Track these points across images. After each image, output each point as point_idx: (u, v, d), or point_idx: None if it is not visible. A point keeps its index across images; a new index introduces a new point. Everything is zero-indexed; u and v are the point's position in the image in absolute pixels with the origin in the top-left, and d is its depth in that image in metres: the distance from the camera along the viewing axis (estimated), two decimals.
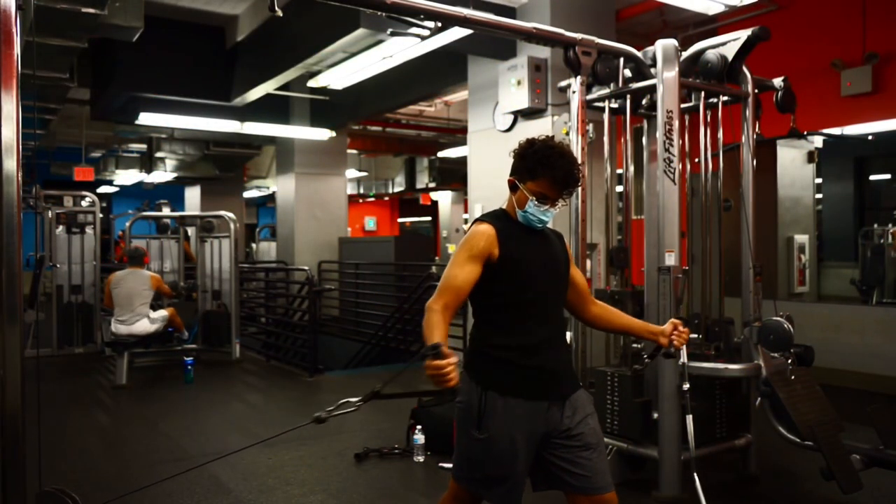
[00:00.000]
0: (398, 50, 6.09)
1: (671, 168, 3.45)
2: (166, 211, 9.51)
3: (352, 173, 15.19)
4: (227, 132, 9.97)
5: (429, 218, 21.93)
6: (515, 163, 2.11)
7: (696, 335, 3.74)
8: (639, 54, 3.74)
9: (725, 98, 3.82)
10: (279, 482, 3.82)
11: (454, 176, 14.90)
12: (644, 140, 3.91)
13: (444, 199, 19.17)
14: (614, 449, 3.66)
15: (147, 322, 6.53)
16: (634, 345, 3.86)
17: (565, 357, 2.18)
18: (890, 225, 7.78)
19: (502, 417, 2.00)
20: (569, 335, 2.56)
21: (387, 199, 21.36)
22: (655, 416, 3.44)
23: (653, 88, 3.60)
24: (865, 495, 3.39)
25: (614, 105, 3.90)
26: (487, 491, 2.09)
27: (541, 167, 2.03)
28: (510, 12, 6.13)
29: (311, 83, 7.71)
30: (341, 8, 3.05)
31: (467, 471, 2.10)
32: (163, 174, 12.77)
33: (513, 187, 2.12)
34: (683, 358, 3.33)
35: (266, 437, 3.71)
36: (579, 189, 3.46)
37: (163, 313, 6.70)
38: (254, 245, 16.05)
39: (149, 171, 12.84)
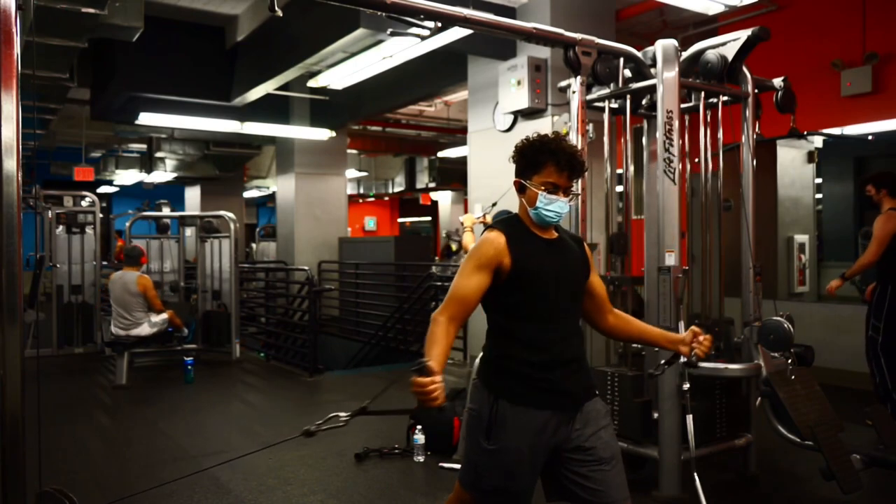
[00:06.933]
0: (398, 50, 6.09)
1: (671, 168, 3.45)
2: (166, 211, 9.50)
3: (352, 173, 15.19)
4: (227, 132, 9.96)
5: (429, 218, 21.95)
6: (517, 162, 2.09)
7: None
8: (639, 54, 3.74)
9: (725, 98, 3.82)
10: (279, 482, 3.82)
11: (454, 176, 14.90)
12: (644, 140, 3.91)
13: (444, 199, 19.20)
14: None
15: (147, 327, 6.53)
16: (634, 344, 3.86)
17: (581, 367, 2.10)
18: None
19: (512, 428, 1.96)
20: None
21: (387, 199, 21.37)
22: (655, 416, 3.44)
23: (653, 88, 3.60)
24: (865, 495, 3.39)
25: (614, 105, 3.90)
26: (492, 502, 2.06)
27: (542, 155, 2.02)
28: (510, 12, 6.13)
29: (311, 83, 7.71)
30: (341, 8, 3.05)
31: (474, 478, 2.07)
32: (163, 174, 12.77)
33: (520, 188, 2.08)
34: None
35: (272, 443, 3.70)
36: (579, 189, 3.46)
37: (163, 316, 6.70)
38: (253, 245, 16.07)
39: (149, 171, 12.85)
